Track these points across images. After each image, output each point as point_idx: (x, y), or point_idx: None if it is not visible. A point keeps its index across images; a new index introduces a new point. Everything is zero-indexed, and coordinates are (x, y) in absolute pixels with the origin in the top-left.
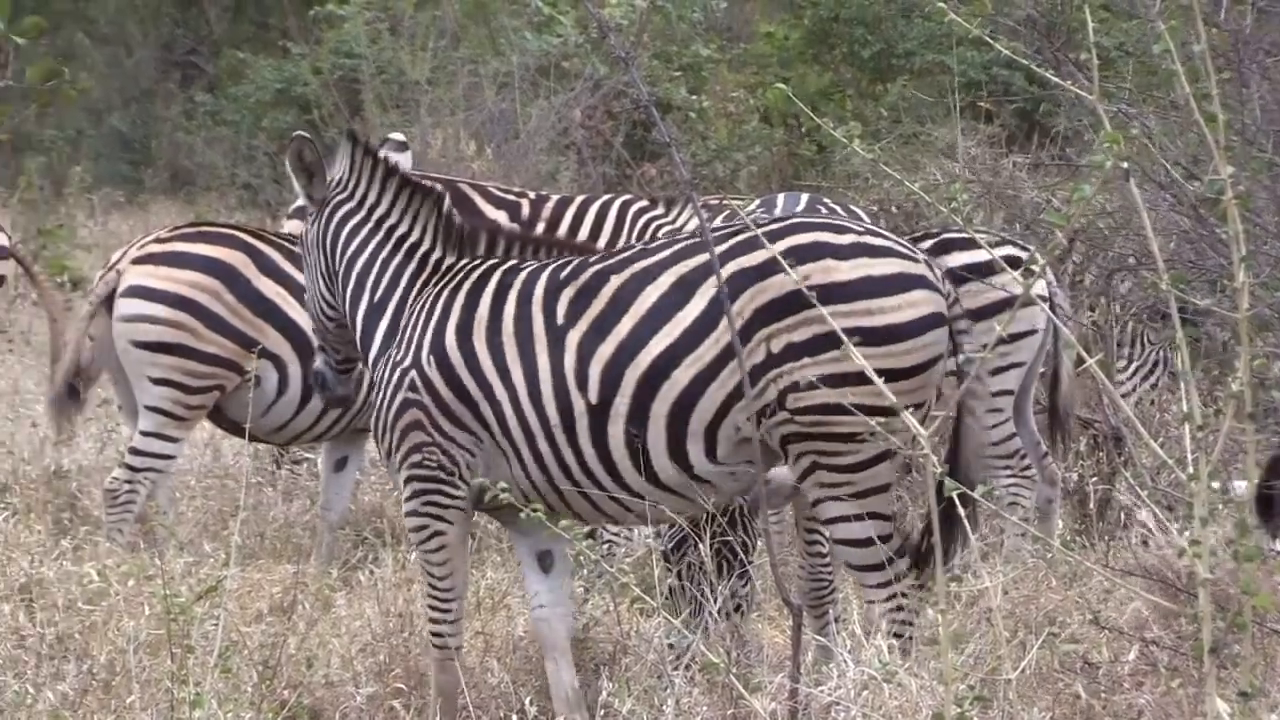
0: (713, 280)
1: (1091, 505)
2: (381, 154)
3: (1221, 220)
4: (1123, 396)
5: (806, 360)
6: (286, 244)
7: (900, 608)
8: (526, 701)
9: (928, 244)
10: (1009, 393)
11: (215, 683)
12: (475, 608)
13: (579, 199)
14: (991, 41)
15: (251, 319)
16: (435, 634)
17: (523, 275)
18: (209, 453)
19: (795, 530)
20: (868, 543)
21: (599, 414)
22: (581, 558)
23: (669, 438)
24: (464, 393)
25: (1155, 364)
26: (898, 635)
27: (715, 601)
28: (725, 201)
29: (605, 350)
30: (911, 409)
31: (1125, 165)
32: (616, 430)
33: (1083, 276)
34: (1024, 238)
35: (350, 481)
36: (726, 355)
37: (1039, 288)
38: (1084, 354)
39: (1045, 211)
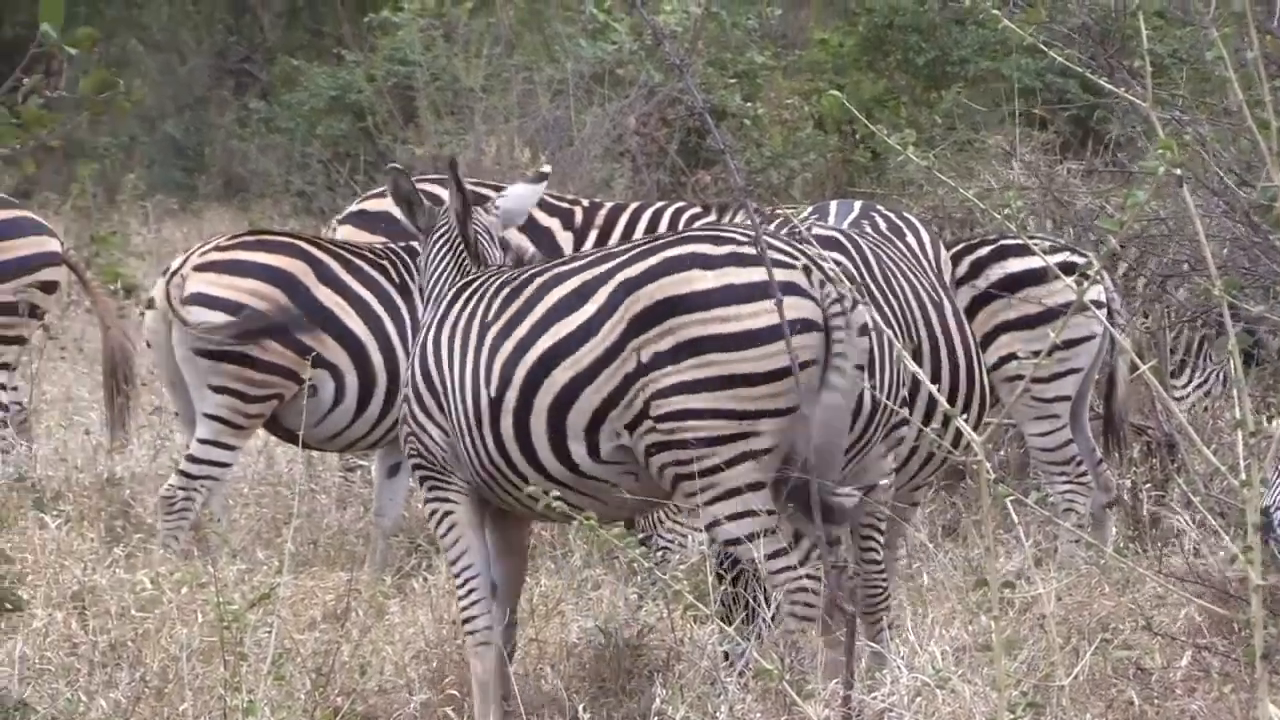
0: (605, 287)
1: (1144, 512)
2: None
3: (1275, 227)
4: (1179, 406)
5: (669, 368)
6: (345, 252)
7: (802, 589)
8: (580, 708)
9: (984, 250)
10: (1066, 398)
11: (268, 690)
12: (529, 614)
13: (632, 206)
14: (1045, 49)
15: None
16: (463, 619)
17: (490, 277)
18: (262, 460)
19: (849, 537)
20: (751, 539)
21: (495, 406)
22: (635, 565)
23: (550, 434)
24: (431, 384)
25: (1215, 379)
26: (798, 616)
27: (769, 608)
28: (778, 209)
29: (506, 347)
30: (775, 414)
31: (1178, 172)
32: (508, 423)
33: (1137, 283)
34: (1078, 244)
35: (404, 488)
36: (603, 361)
37: (1097, 293)
38: (1137, 360)
39: (1099, 218)
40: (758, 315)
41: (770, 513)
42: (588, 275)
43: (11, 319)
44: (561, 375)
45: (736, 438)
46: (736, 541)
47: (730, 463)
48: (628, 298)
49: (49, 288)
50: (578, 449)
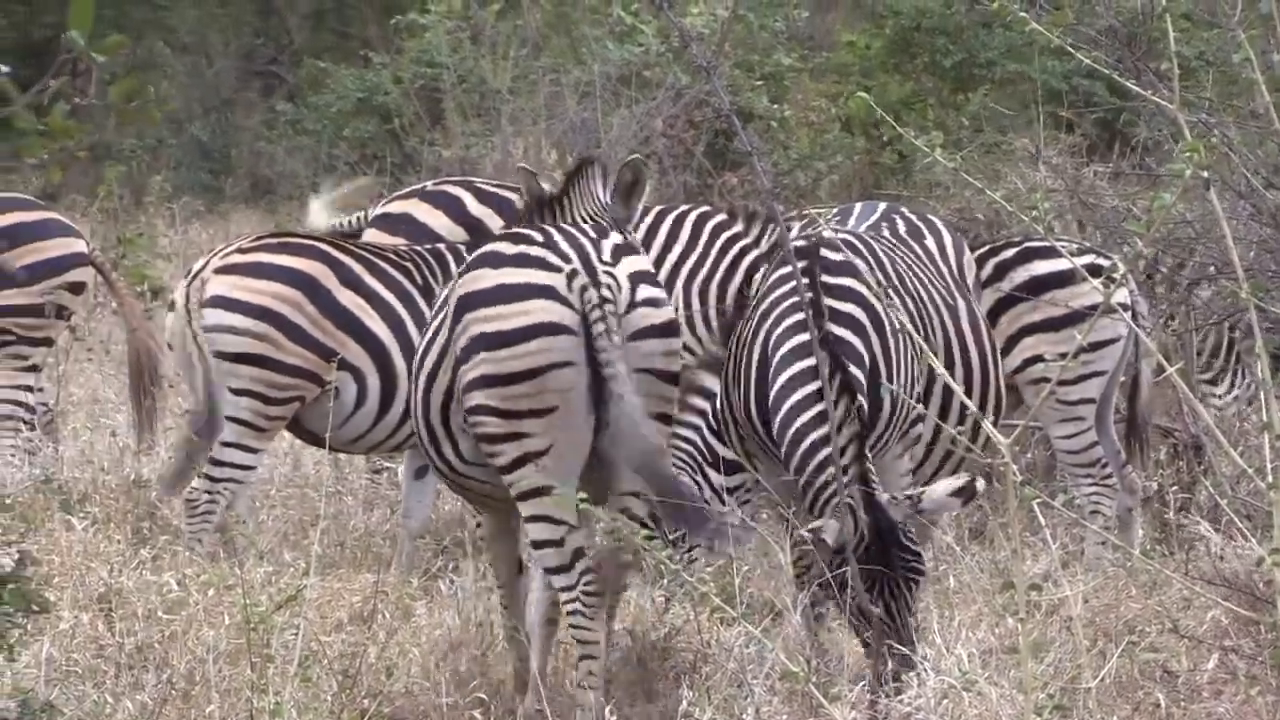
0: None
1: (1171, 514)
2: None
3: None
4: (1215, 412)
5: (467, 364)
6: (368, 254)
7: (575, 613)
8: (607, 710)
9: (1009, 253)
10: (1090, 401)
11: (295, 692)
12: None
13: (656, 209)
14: (1073, 51)
15: (333, 331)
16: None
17: None
18: (289, 462)
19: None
20: (540, 545)
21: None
22: (661, 567)
23: (428, 435)
24: None
25: (1254, 387)
26: (577, 640)
27: (796, 610)
28: (804, 211)
29: (418, 355)
30: (535, 414)
31: (1205, 174)
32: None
33: (1164, 285)
34: (1105, 246)
35: (432, 490)
36: (440, 357)
37: (1121, 296)
38: (1164, 362)
39: (1126, 220)
40: (511, 317)
41: (562, 522)
42: (456, 278)
43: (39, 320)
44: (421, 379)
45: (510, 437)
46: (533, 544)
47: (513, 465)
48: (454, 297)
49: (77, 289)
50: (447, 448)
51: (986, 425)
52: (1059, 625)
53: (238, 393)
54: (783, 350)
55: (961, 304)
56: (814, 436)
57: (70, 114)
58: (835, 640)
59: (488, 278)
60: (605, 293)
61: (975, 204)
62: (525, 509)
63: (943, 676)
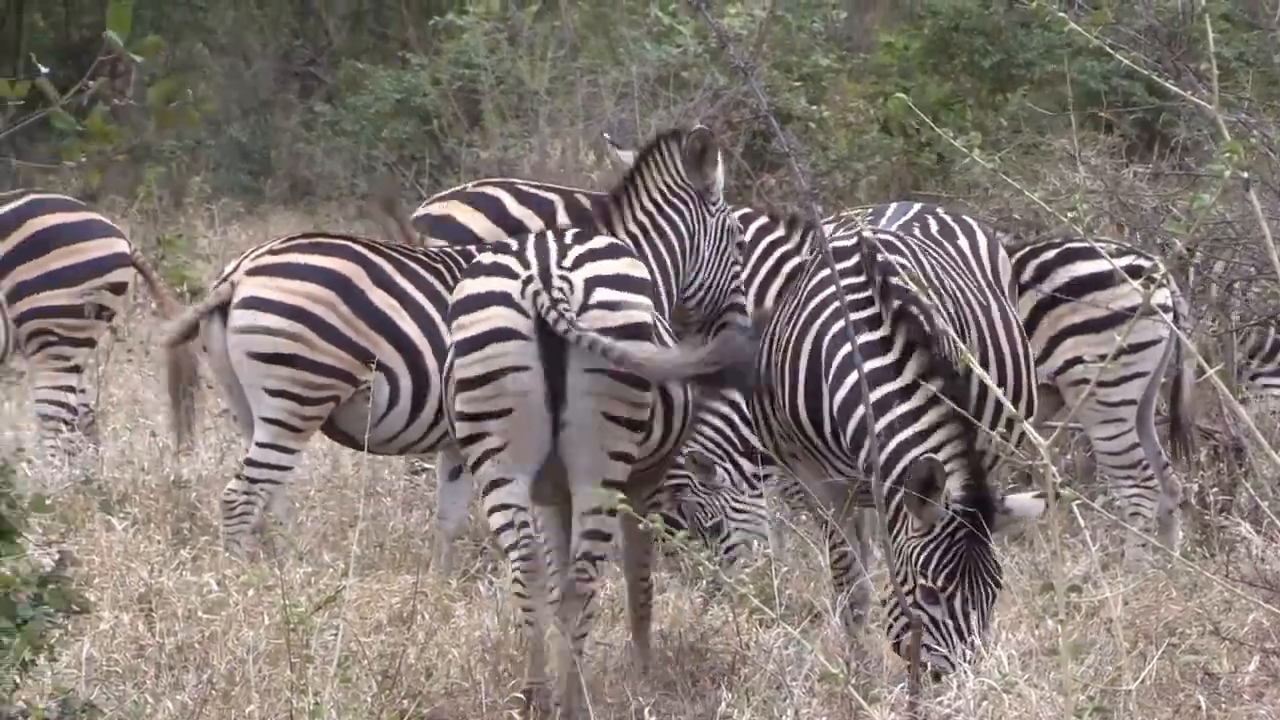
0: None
1: (1211, 516)
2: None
3: None
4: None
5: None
6: (399, 255)
7: (519, 594)
8: (645, 711)
9: (1050, 254)
10: (1132, 402)
11: (334, 692)
12: (595, 618)
13: None
14: (1112, 51)
15: (366, 330)
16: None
17: None
18: (328, 463)
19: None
20: (499, 530)
21: None
22: (700, 568)
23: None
24: None
25: None
26: (523, 609)
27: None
28: (843, 213)
29: None
30: (495, 415)
31: (1245, 175)
32: None
33: (1209, 287)
34: (1145, 247)
35: (466, 491)
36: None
37: (1162, 297)
38: (1204, 364)
39: (1165, 221)
40: (474, 324)
41: (512, 506)
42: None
43: (81, 321)
44: (445, 379)
45: (473, 439)
46: (494, 530)
47: (475, 464)
48: None
49: (118, 289)
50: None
51: (1026, 426)
52: (1099, 627)
53: (272, 393)
54: (845, 350)
55: (994, 304)
56: (903, 436)
57: (109, 115)
58: (874, 642)
59: (466, 288)
60: (556, 294)
61: (1014, 205)
62: (487, 500)
63: (982, 678)
